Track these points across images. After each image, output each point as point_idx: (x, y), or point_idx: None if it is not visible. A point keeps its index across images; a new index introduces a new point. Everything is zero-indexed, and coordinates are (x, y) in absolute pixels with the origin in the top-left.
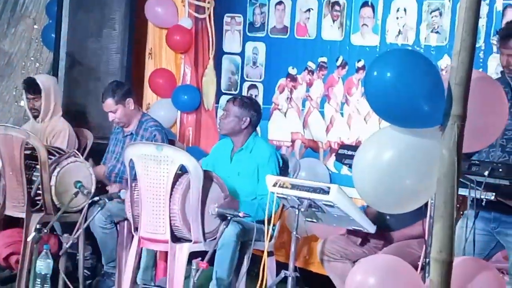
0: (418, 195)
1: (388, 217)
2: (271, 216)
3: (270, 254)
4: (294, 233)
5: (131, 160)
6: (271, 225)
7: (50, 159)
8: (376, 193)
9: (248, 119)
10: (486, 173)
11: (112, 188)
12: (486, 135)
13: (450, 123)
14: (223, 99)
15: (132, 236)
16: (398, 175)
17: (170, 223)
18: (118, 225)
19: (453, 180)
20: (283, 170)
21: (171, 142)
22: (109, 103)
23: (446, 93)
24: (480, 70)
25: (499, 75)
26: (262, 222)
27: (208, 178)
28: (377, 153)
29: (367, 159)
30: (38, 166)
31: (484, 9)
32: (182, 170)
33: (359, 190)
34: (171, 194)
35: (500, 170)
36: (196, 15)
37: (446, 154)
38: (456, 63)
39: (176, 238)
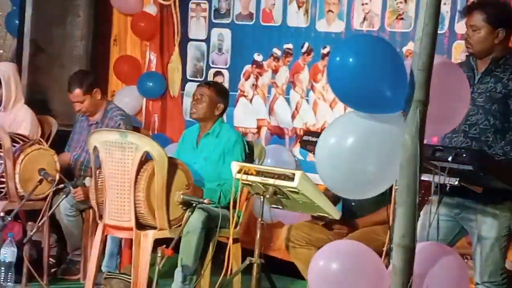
0: (381, 181)
1: (353, 203)
2: (235, 202)
3: (235, 241)
4: (259, 219)
5: (95, 147)
6: (236, 211)
7: (14, 146)
8: (339, 178)
9: (222, 106)
10: (449, 158)
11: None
12: (448, 120)
13: (412, 109)
14: (189, 86)
15: (97, 224)
16: (361, 160)
17: (135, 210)
18: (83, 213)
19: (415, 166)
20: (249, 156)
21: (136, 130)
22: (77, 93)
23: (409, 79)
24: (445, 56)
25: (464, 60)
26: (228, 208)
27: (173, 165)
28: (339, 138)
29: (329, 144)
30: (1, 154)
31: None
32: (147, 157)
33: (322, 176)
34: (135, 181)
35: (464, 155)
36: (161, 1)
37: (409, 140)
38: (418, 48)
39: (141, 225)
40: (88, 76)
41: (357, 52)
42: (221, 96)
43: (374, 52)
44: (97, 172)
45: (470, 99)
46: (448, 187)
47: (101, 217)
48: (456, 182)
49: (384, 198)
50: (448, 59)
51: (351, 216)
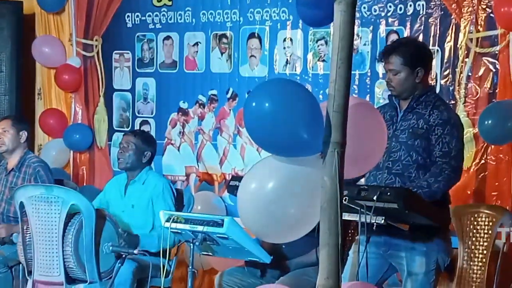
0: (303, 223)
1: (283, 246)
2: (165, 251)
3: None
4: (190, 267)
5: (21, 203)
6: (167, 260)
7: None
8: (261, 223)
9: (149, 153)
10: (375, 197)
11: (1, 232)
12: (366, 160)
13: (330, 150)
14: (116, 136)
15: (27, 280)
16: (282, 204)
17: (64, 265)
18: (12, 269)
19: (336, 207)
20: (178, 204)
21: (60, 182)
22: (7, 122)
23: (325, 121)
24: (368, 95)
25: (387, 100)
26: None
27: (101, 216)
28: (260, 183)
29: (250, 189)
30: None
31: (368, 36)
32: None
33: (245, 221)
34: (63, 235)
35: (388, 194)
36: (84, 53)
37: (328, 181)
38: (333, 91)
39: (71, 279)
40: (23, 120)
41: (272, 96)
42: (148, 144)
43: (289, 96)
44: (25, 227)
45: (388, 137)
46: (374, 226)
47: (30, 273)
48: (382, 221)
49: (314, 239)
50: (363, 100)
51: (282, 258)
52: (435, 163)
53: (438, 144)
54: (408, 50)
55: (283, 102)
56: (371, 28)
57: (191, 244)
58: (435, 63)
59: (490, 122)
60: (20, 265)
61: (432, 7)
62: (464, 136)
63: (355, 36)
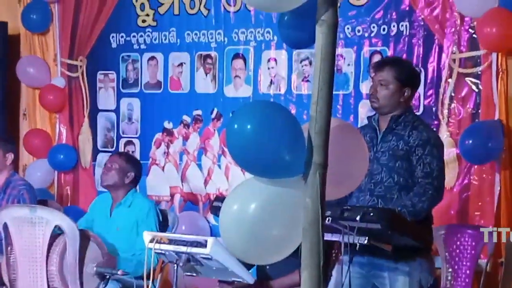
0: (285, 245)
1: (267, 267)
2: (149, 272)
3: None
4: None
5: (5, 223)
6: (151, 281)
7: None
8: (243, 245)
9: (133, 174)
10: (358, 218)
11: None
12: (348, 182)
13: (312, 172)
14: (100, 156)
15: None
16: (264, 226)
17: (48, 285)
18: None
19: (318, 228)
20: (163, 225)
21: (44, 203)
22: None
23: (307, 143)
24: (351, 116)
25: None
26: (143, 277)
27: (85, 237)
28: (241, 205)
29: (232, 211)
30: None
31: (351, 57)
32: (58, 231)
33: (227, 243)
34: (47, 256)
35: (372, 214)
36: (69, 73)
37: (310, 203)
38: (314, 112)
39: None
40: (9, 141)
41: (254, 119)
42: (131, 165)
43: (270, 118)
44: (8, 248)
45: (370, 160)
46: (358, 246)
47: None
48: (366, 241)
49: (297, 260)
50: (345, 121)
51: (266, 278)
52: (418, 183)
53: (419, 165)
54: (403, 67)
55: (265, 124)
56: (354, 48)
57: (175, 265)
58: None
59: (471, 141)
60: (4, 286)
61: (415, 27)
62: (448, 156)
63: (339, 56)
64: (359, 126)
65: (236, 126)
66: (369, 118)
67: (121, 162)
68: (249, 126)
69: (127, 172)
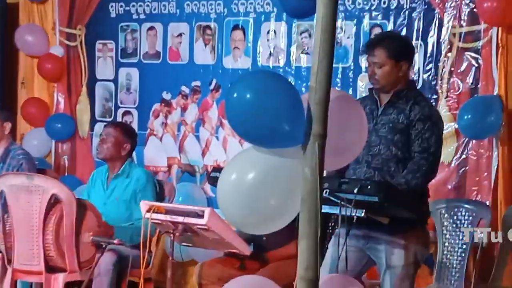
0: (283, 215)
1: (264, 238)
2: (145, 242)
3: (148, 280)
4: (170, 258)
5: (1, 191)
6: (147, 251)
7: None
8: (241, 214)
9: (129, 146)
10: (355, 190)
11: None
12: (346, 152)
13: (311, 142)
14: (98, 126)
15: (6, 269)
16: (262, 195)
17: (44, 254)
18: None
19: (316, 199)
20: (159, 195)
21: (42, 172)
22: None
23: (306, 113)
24: (350, 89)
25: (368, 93)
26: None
27: (82, 206)
28: (240, 174)
29: (230, 180)
30: None
31: (351, 30)
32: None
33: (224, 212)
34: (44, 224)
35: (369, 187)
36: (67, 42)
37: (308, 173)
38: (314, 83)
39: (51, 269)
40: (6, 109)
41: (254, 88)
42: (128, 136)
43: (270, 88)
44: (5, 216)
45: (368, 131)
46: (355, 219)
47: (10, 261)
48: (363, 214)
49: (294, 231)
50: (344, 92)
51: (262, 250)
52: (413, 158)
53: (417, 139)
54: (393, 43)
55: (265, 94)
56: (354, 21)
57: (171, 235)
58: (418, 57)
59: (469, 116)
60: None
61: (416, 1)
62: (446, 131)
63: (339, 29)
64: (357, 98)
65: (235, 95)
66: (370, 90)
67: (117, 133)
68: (248, 95)
69: (123, 144)
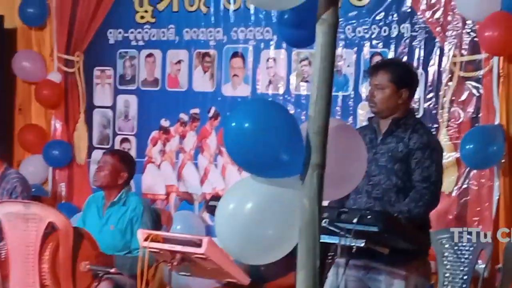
0: (281, 245)
1: (262, 268)
2: (143, 271)
3: None
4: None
5: None
6: (144, 282)
7: None
8: (239, 244)
9: (126, 174)
10: (355, 220)
11: None
12: (346, 183)
13: (309, 172)
14: (96, 153)
15: None
16: (260, 225)
17: (41, 282)
18: None
19: (314, 229)
20: (157, 223)
21: (37, 199)
22: None
23: (305, 142)
24: (350, 117)
25: (367, 122)
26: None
27: (78, 235)
28: (238, 204)
29: (228, 210)
30: None
31: (352, 58)
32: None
33: (222, 242)
34: (40, 253)
35: (369, 217)
36: (65, 69)
37: (307, 204)
38: (313, 112)
39: None
40: None
41: (252, 117)
42: (125, 164)
43: (269, 117)
44: (1, 244)
45: (368, 161)
46: (354, 249)
47: None
48: (363, 244)
49: (293, 261)
50: (344, 122)
51: (261, 280)
52: (414, 187)
53: (418, 168)
54: (398, 69)
55: (263, 123)
56: (355, 49)
57: (169, 264)
58: (419, 86)
59: (472, 146)
60: None
61: (416, 30)
62: (447, 160)
63: (339, 58)
64: (356, 128)
65: (234, 124)
66: (369, 119)
67: (114, 161)
68: (247, 124)
69: (120, 172)
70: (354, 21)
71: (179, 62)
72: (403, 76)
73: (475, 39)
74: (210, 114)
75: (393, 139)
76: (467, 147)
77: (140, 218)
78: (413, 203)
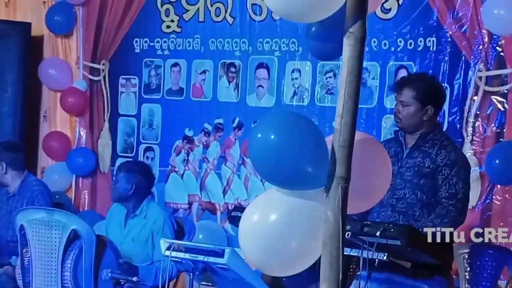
0: (304, 257)
1: (284, 279)
2: (165, 283)
3: None
4: None
5: (21, 225)
6: None
7: None
8: (262, 255)
9: (134, 185)
10: (377, 233)
11: None
12: (370, 196)
13: (334, 185)
14: (119, 161)
15: None
16: (284, 237)
17: None
18: None
19: (338, 242)
20: (178, 233)
21: (59, 206)
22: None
23: (330, 155)
24: (375, 130)
25: (393, 135)
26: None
27: (101, 242)
28: (262, 215)
29: (252, 221)
30: None
31: (377, 70)
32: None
33: (246, 253)
34: (63, 260)
35: (392, 230)
36: (91, 77)
37: (331, 216)
38: (339, 125)
39: None
40: (8, 148)
41: (278, 129)
42: (132, 174)
43: (295, 129)
44: (24, 251)
45: (393, 174)
46: (376, 262)
47: None
48: (385, 257)
49: (315, 273)
50: (369, 135)
51: None
52: (441, 203)
53: (444, 185)
54: (423, 86)
55: (289, 135)
56: (380, 62)
57: (191, 273)
58: None
59: (497, 161)
60: None
61: (442, 43)
62: (470, 175)
63: (364, 70)
64: (382, 140)
65: (259, 135)
66: (396, 132)
67: (121, 174)
68: (272, 136)
69: (129, 183)
70: (379, 34)
71: (204, 72)
72: (428, 93)
73: (501, 53)
74: (234, 125)
75: (419, 154)
76: (492, 162)
77: (161, 230)
78: (439, 219)
